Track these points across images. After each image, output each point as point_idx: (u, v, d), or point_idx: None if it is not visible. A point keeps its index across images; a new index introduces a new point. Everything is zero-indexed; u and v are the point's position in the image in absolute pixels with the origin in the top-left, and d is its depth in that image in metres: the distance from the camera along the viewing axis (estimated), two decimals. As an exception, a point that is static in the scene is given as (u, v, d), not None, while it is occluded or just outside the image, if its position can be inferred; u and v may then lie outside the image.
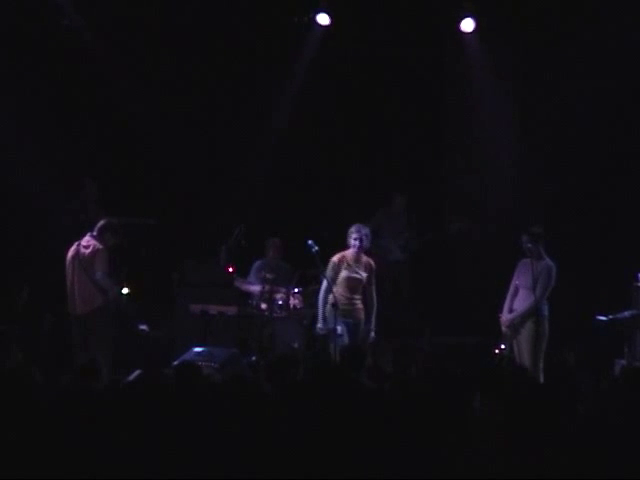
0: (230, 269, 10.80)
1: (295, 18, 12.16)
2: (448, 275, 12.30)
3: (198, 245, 11.46)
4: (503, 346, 9.35)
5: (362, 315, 9.53)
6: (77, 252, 9.46)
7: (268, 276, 10.23)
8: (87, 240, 9.47)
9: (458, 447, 4.77)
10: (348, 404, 5.22)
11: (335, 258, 9.58)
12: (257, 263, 10.81)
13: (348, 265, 9.54)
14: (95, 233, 9.47)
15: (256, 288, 10.40)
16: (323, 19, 12.04)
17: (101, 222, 9.53)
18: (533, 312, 9.40)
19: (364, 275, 9.53)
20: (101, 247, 9.39)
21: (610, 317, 10.17)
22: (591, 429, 4.92)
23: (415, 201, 12.18)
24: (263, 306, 10.22)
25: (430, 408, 5.00)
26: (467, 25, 11.91)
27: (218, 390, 5.38)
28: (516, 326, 9.43)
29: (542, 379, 9.04)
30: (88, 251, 9.41)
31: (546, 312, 9.50)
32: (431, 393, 5.27)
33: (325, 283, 9.50)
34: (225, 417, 5.06)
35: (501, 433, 4.87)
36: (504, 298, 9.57)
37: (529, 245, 9.45)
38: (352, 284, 9.52)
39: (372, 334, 9.50)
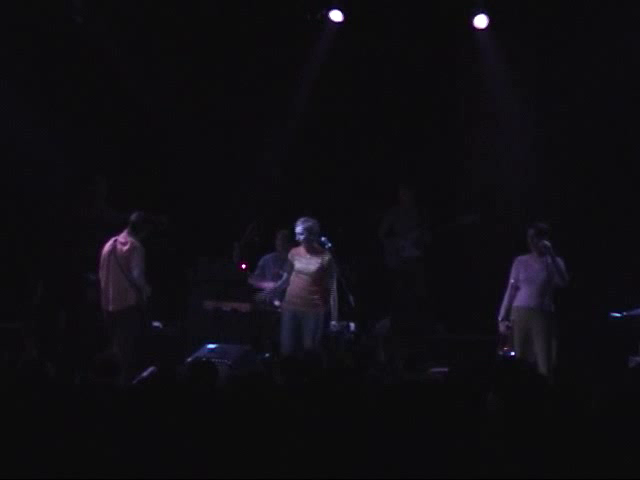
0: (243, 266, 10.82)
1: (308, 15, 12.18)
2: (461, 271, 12.29)
3: (211, 242, 11.50)
4: (506, 348, 9.34)
5: (315, 309, 9.55)
6: (114, 248, 9.45)
7: (281, 272, 10.26)
8: (124, 236, 9.49)
9: (471, 446, 4.78)
10: (364, 402, 5.24)
11: (289, 253, 9.72)
12: (266, 258, 10.79)
13: (299, 259, 9.63)
14: (130, 229, 9.48)
15: (270, 285, 10.44)
16: (336, 16, 12.06)
17: (134, 216, 9.53)
18: (540, 308, 9.42)
19: (313, 268, 9.58)
20: (138, 245, 9.41)
21: (624, 314, 10.16)
22: (605, 428, 4.92)
23: (427, 195, 12.18)
24: (277, 302, 10.25)
25: (444, 407, 5.02)
26: (480, 21, 11.91)
27: (232, 388, 5.40)
28: (524, 323, 9.43)
29: (554, 378, 9.03)
30: (126, 248, 9.42)
31: (553, 309, 9.51)
32: (445, 392, 5.28)
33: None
34: (239, 415, 5.07)
35: (513, 432, 4.88)
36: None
37: (546, 242, 9.44)
38: (302, 275, 9.60)
39: (335, 327, 9.53)
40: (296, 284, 9.71)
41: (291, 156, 12.49)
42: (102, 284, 9.49)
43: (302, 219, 9.68)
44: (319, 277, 9.61)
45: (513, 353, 9.29)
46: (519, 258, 9.64)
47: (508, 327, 9.48)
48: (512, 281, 9.58)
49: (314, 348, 9.28)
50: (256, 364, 9.31)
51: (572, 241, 10.53)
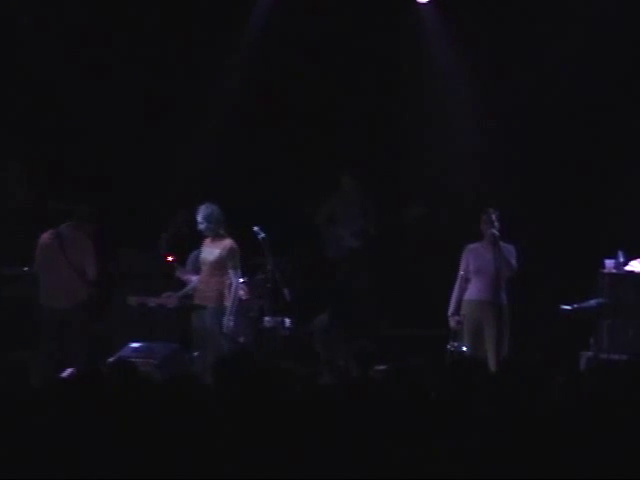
0: (170, 258, 10.71)
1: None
2: (408, 262, 12.28)
3: (136, 232, 11.35)
4: (456, 343, 9.33)
5: (214, 301, 9.52)
6: (61, 242, 9.38)
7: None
8: (70, 230, 9.41)
9: (420, 445, 4.78)
10: (299, 404, 5.19)
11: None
12: (194, 254, 10.69)
13: (203, 249, 9.66)
14: (77, 222, 9.41)
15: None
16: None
17: (81, 209, 9.48)
18: (492, 302, 9.43)
19: (211, 258, 9.54)
20: (89, 240, 9.39)
21: (575, 306, 10.22)
22: (554, 426, 4.93)
23: (373, 185, 12.14)
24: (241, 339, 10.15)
25: (387, 407, 5.00)
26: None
27: (157, 389, 5.33)
28: (475, 317, 9.43)
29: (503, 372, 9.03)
30: (76, 242, 9.36)
31: (506, 300, 9.53)
32: (389, 391, 5.26)
33: None
34: (164, 418, 5.00)
35: (459, 431, 4.87)
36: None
37: (494, 231, 9.44)
38: (202, 266, 9.61)
39: (230, 323, 9.46)
40: (200, 277, 9.70)
41: (225, 143, 12.37)
42: (45, 280, 9.36)
43: (202, 206, 9.60)
44: (217, 268, 9.55)
45: (464, 349, 9.30)
46: (469, 247, 9.62)
47: (459, 322, 9.47)
48: (462, 272, 9.56)
49: (219, 346, 9.23)
50: (185, 363, 9.23)
51: (522, 230, 10.57)
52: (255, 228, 9.87)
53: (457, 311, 9.52)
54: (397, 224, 11.94)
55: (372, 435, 4.81)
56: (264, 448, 4.81)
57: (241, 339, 10.00)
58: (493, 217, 9.53)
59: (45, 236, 9.61)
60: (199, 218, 9.58)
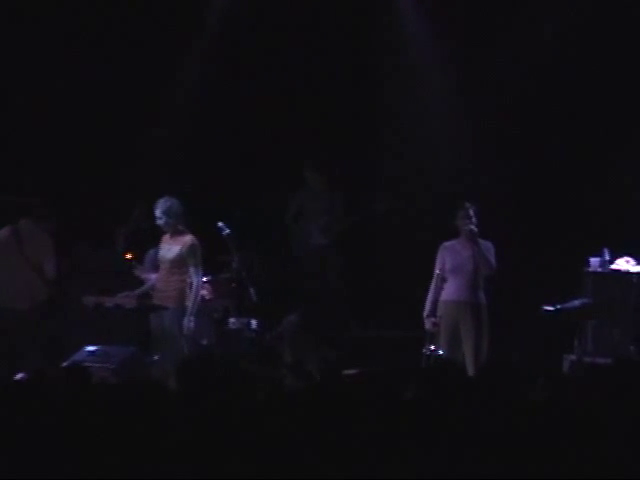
0: (129, 255, 10.70)
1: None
2: (382, 260, 12.31)
3: (91, 227, 11.31)
4: (432, 346, 9.34)
5: (174, 302, 9.51)
6: (19, 239, 9.34)
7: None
8: (28, 226, 9.37)
9: (393, 446, 4.80)
10: (265, 410, 5.20)
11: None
12: (153, 251, 10.64)
13: (162, 246, 9.67)
14: (35, 218, 9.38)
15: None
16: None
17: (38, 204, 9.45)
18: (470, 302, 9.45)
19: (170, 256, 9.54)
20: (47, 235, 9.35)
21: (558, 307, 10.26)
22: (535, 432, 4.95)
23: (340, 179, 12.15)
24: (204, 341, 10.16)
25: (358, 413, 5.00)
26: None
27: (113, 395, 5.31)
28: (452, 318, 9.45)
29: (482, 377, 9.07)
30: (34, 239, 9.33)
31: (484, 300, 9.55)
32: (359, 396, 5.27)
33: None
34: (121, 426, 4.98)
35: (435, 438, 4.89)
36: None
37: (472, 227, 9.46)
38: (161, 265, 9.62)
39: (190, 324, 9.44)
40: (158, 275, 9.68)
41: (186, 135, 12.34)
42: (1, 279, 9.41)
43: (161, 200, 9.61)
44: (176, 266, 9.53)
45: (441, 352, 9.32)
46: (444, 244, 9.63)
47: (435, 324, 9.48)
48: (437, 271, 9.57)
49: (180, 350, 9.25)
50: (144, 368, 9.21)
51: (501, 228, 10.60)
52: (219, 223, 9.85)
53: (433, 312, 9.52)
54: (366, 220, 11.94)
55: (340, 440, 4.82)
56: (230, 455, 4.81)
57: (204, 341, 10.01)
58: (471, 212, 9.54)
59: (2, 232, 9.55)
60: (157, 212, 9.56)
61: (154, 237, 10.34)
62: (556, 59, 11.62)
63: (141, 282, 10.34)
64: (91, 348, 9.36)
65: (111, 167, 12.09)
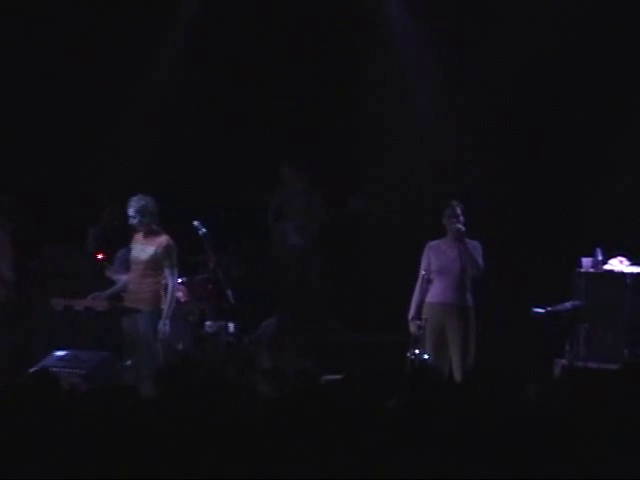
0: (100, 256, 10.68)
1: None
2: (364, 261, 12.32)
3: (61, 227, 11.29)
4: (417, 351, 9.34)
5: (148, 304, 9.51)
6: None
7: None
8: None
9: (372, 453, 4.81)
10: (244, 418, 5.21)
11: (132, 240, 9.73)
12: (123, 251, 10.63)
13: (134, 246, 9.66)
14: None
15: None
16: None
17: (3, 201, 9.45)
18: (457, 304, 9.47)
19: (145, 257, 9.53)
20: (5, 235, 9.33)
21: (549, 309, 10.30)
22: (523, 441, 4.97)
23: (321, 178, 12.16)
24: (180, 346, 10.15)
25: (339, 421, 5.01)
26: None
27: (83, 402, 5.30)
28: (438, 321, 9.46)
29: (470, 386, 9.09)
30: None
31: (472, 302, 9.57)
32: (341, 403, 5.28)
33: None
34: (90, 435, 4.98)
35: (419, 449, 4.90)
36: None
37: (460, 226, 9.47)
38: (134, 266, 9.61)
39: (165, 328, 9.44)
40: (130, 277, 9.65)
41: (160, 131, 12.35)
42: None
43: (134, 198, 9.60)
44: (151, 268, 9.53)
45: (426, 356, 9.33)
46: (430, 244, 9.63)
47: (420, 327, 9.49)
48: (423, 272, 9.57)
49: (154, 355, 9.24)
50: (116, 374, 9.19)
51: (489, 227, 10.62)
52: (195, 223, 9.84)
53: (418, 315, 9.52)
54: (345, 220, 11.96)
55: (318, 450, 4.83)
56: (209, 465, 4.81)
57: (179, 346, 9.99)
58: (458, 210, 9.54)
59: None
60: (131, 211, 9.52)
61: (126, 237, 10.35)
62: (548, 55, 11.65)
63: (112, 283, 10.33)
64: (60, 353, 9.33)
65: (82, 165, 12.08)
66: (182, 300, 10.35)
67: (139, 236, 9.65)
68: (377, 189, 12.19)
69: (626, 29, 11.35)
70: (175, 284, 9.53)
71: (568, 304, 10.34)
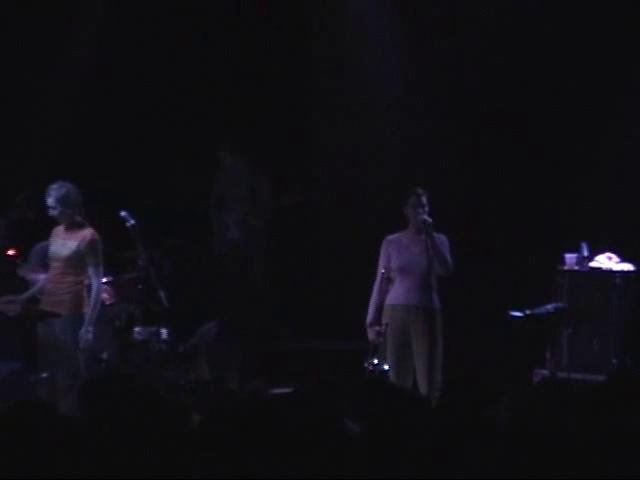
0: (11, 252, 10.64)
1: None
2: (316, 259, 12.36)
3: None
4: (376, 360, 9.36)
5: (68, 308, 9.52)
6: None
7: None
8: None
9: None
10: (177, 434, 5.21)
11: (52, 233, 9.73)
12: (41, 246, 10.59)
13: (54, 241, 9.65)
14: None
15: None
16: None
17: None
18: (422, 306, 9.50)
19: (66, 253, 9.53)
20: None
21: (527, 312, 10.37)
22: (499, 461, 4.99)
23: (270, 162, 12.18)
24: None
25: (286, 438, 5.02)
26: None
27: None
28: (401, 326, 9.49)
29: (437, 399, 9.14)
30: None
31: (439, 304, 9.58)
32: (289, 418, 5.29)
33: None
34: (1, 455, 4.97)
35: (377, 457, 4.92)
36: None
37: (426, 217, 9.49)
38: (53, 263, 9.60)
39: (88, 335, 9.43)
40: (49, 276, 9.66)
41: (83, 108, 12.34)
42: None
43: (54, 186, 9.59)
44: (72, 265, 9.52)
45: (387, 367, 9.35)
46: (389, 238, 9.63)
47: (380, 333, 9.50)
48: (382, 270, 9.57)
49: (75, 365, 9.25)
50: (30, 387, 9.16)
51: (462, 223, 10.67)
52: (122, 213, 9.83)
53: (377, 320, 9.55)
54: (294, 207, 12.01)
55: (265, 472, 4.83)
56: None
57: (104, 355, 9.97)
58: (424, 200, 9.52)
59: None
60: (50, 201, 9.49)
61: (42, 229, 10.30)
62: (527, 28, 11.75)
63: (27, 284, 10.29)
64: (-35, 364, 9.32)
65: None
66: (108, 302, 10.34)
67: (59, 229, 9.62)
68: (330, 174, 12.22)
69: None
70: (100, 284, 9.51)
71: (549, 306, 10.44)
